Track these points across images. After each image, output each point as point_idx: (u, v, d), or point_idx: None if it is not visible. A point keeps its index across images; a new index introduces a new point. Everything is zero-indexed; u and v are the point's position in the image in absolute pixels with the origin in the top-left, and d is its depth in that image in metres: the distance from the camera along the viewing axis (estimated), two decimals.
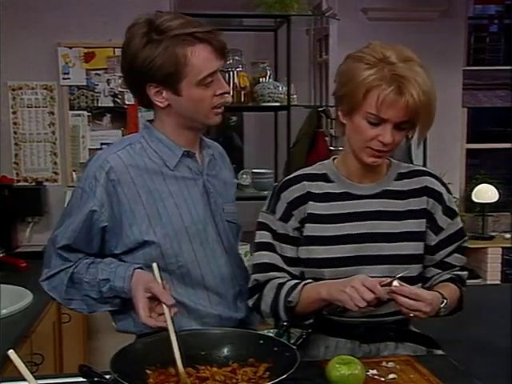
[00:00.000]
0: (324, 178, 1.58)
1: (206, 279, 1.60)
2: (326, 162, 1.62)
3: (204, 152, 1.65)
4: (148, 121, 1.65)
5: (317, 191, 1.56)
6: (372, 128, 1.44)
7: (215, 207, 1.62)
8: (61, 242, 1.54)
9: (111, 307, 1.55)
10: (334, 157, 1.63)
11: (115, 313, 1.61)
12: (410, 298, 1.37)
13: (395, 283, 1.37)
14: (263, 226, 1.58)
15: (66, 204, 3.31)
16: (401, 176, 1.58)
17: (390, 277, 1.48)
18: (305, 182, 1.57)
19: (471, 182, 5.32)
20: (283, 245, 1.55)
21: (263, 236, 1.57)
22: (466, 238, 1.62)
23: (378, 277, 1.49)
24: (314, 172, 1.59)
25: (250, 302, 1.59)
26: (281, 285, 1.52)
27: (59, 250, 1.54)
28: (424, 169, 1.65)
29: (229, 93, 1.60)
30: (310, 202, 1.55)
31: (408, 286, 1.39)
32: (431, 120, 1.47)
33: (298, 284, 1.50)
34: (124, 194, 1.52)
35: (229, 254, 1.65)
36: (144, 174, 1.55)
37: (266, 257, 1.56)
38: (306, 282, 1.51)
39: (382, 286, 1.37)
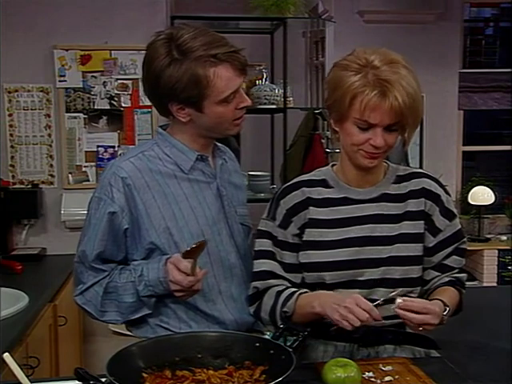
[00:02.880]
0: (323, 183, 1.59)
1: (220, 283, 1.62)
2: (324, 168, 1.64)
3: (217, 156, 1.68)
4: (160, 126, 1.67)
5: (317, 197, 1.57)
6: (362, 133, 1.45)
7: (229, 210, 1.65)
8: (92, 254, 1.56)
9: (147, 310, 1.57)
10: (332, 163, 1.65)
11: (131, 323, 1.63)
12: (418, 313, 1.37)
13: (399, 300, 1.37)
14: (263, 234, 1.59)
15: (62, 206, 3.32)
16: (399, 179, 1.59)
17: (387, 280, 1.49)
18: (304, 188, 1.58)
19: (467, 184, 5.33)
20: (283, 251, 1.57)
21: (263, 244, 1.58)
22: (465, 239, 1.63)
23: (378, 279, 1.51)
24: (312, 178, 1.61)
25: (251, 310, 1.61)
26: (279, 293, 1.53)
27: (92, 263, 1.56)
28: (422, 171, 1.66)
29: (250, 105, 1.62)
30: (311, 208, 1.56)
31: (414, 299, 1.40)
32: (417, 121, 1.48)
33: (293, 293, 1.51)
34: (140, 199, 1.55)
35: (242, 257, 1.67)
36: (158, 179, 1.57)
37: (265, 265, 1.57)
38: (302, 291, 1.51)
39: (381, 304, 1.39)
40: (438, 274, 1.58)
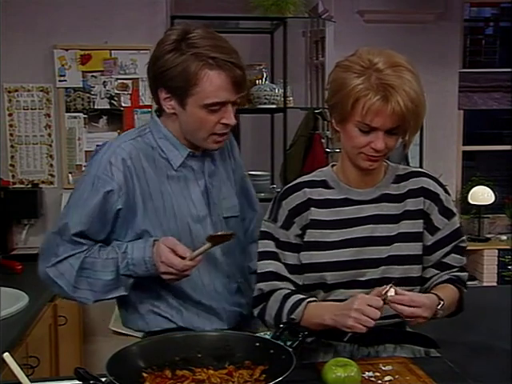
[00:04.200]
0: (324, 184, 1.59)
1: (203, 277, 1.63)
2: (324, 168, 1.64)
3: (207, 152, 1.66)
4: (156, 111, 1.65)
5: (317, 197, 1.57)
6: (363, 135, 1.45)
7: (213, 207, 1.65)
8: (75, 229, 1.53)
9: (123, 291, 1.56)
10: (332, 163, 1.65)
11: (123, 308, 1.65)
12: (408, 305, 1.37)
13: (391, 293, 1.38)
14: (266, 235, 1.59)
15: (62, 206, 3.30)
16: (398, 178, 1.59)
17: (387, 279, 1.49)
18: (306, 189, 1.57)
19: (467, 184, 5.33)
20: (286, 252, 1.56)
21: (267, 245, 1.58)
22: (464, 238, 1.62)
23: (378, 279, 1.51)
24: (313, 179, 1.60)
25: (256, 312, 1.60)
26: (285, 298, 1.53)
27: (73, 237, 1.53)
28: (421, 170, 1.66)
29: (233, 125, 1.59)
30: (312, 209, 1.56)
31: (405, 292, 1.40)
32: (419, 125, 1.47)
33: (302, 300, 1.50)
34: (137, 181, 1.55)
35: (225, 253, 1.67)
36: (152, 167, 1.58)
37: (269, 266, 1.56)
38: (310, 299, 1.51)
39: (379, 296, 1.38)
40: (437, 272, 1.58)
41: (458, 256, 1.60)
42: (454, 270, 1.59)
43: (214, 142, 1.58)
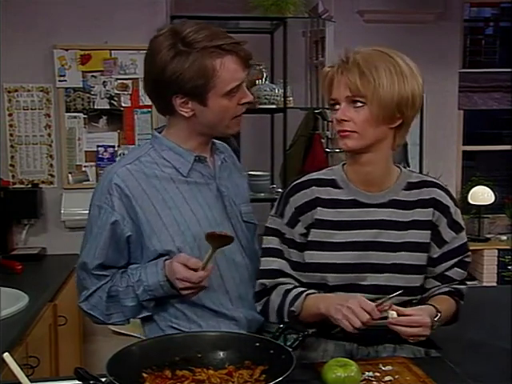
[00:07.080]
0: (332, 183, 1.58)
1: (227, 282, 1.62)
2: (335, 167, 1.63)
3: (215, 156, 1.67)
4: (156, 129, 1.67)
5: (325, 197, 1.56)
6: (334, 114, 1.49)
7: (231, 209, 1.64)
8: (93, 264, 1.56)
9: (146, 312, 1.59)
10: (343, 162, 1.62)
11: (145, 323, 1.66)
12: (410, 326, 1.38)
13: (392, 315, 1.37)
14: (271, 231, 1.58)
15: (62, 206, 3.31)
16: (410, 186, 1.57)
17: (389, 287, 1.49)
18: (314, 187, 1.57)
19: (467, 184, 5.33)
20: (290, 249, 1.56)
21: (271, 242, 1.58)
22: (469, 253, 1.62)
23: (380, 285, 1.51)
24: (323, 177, 1.59)
25: (258, 307, 1.60)
26: (287, 292, 1.53)
27: (93, 271, 1.57)
28: (434, 180, 1.63)
29: (252, 101, 1.62)
30: (319, 208, 1.55)
31: (405, 312, 1.39)
32: (387, 105, 1.43)
33: (301, 293, 1.51)
34: (139, 207, 1.54)
35: (247, 255, 1.66)
36: (156, 184, 1.56)
37: (273, 263, 1.56)
38: (309, 292, 1.51)
39: (377, 307, 1.38)
40: (438, 283, 1.58)
41: (461, 270, 1.60)
42: (455, 283, 1.59)
43: (236, 125, 1.60)
